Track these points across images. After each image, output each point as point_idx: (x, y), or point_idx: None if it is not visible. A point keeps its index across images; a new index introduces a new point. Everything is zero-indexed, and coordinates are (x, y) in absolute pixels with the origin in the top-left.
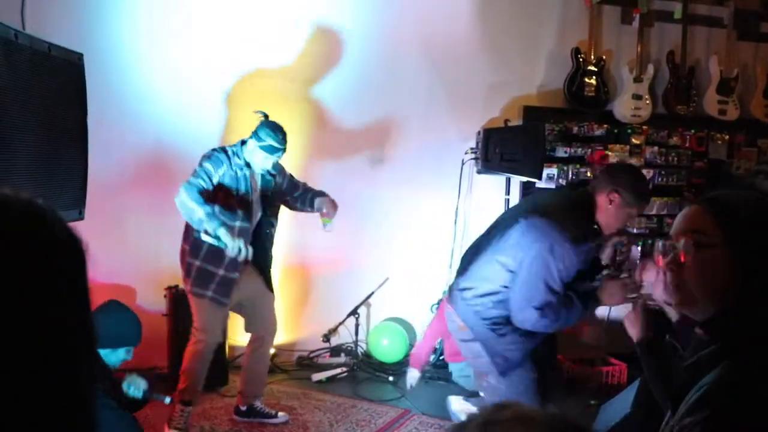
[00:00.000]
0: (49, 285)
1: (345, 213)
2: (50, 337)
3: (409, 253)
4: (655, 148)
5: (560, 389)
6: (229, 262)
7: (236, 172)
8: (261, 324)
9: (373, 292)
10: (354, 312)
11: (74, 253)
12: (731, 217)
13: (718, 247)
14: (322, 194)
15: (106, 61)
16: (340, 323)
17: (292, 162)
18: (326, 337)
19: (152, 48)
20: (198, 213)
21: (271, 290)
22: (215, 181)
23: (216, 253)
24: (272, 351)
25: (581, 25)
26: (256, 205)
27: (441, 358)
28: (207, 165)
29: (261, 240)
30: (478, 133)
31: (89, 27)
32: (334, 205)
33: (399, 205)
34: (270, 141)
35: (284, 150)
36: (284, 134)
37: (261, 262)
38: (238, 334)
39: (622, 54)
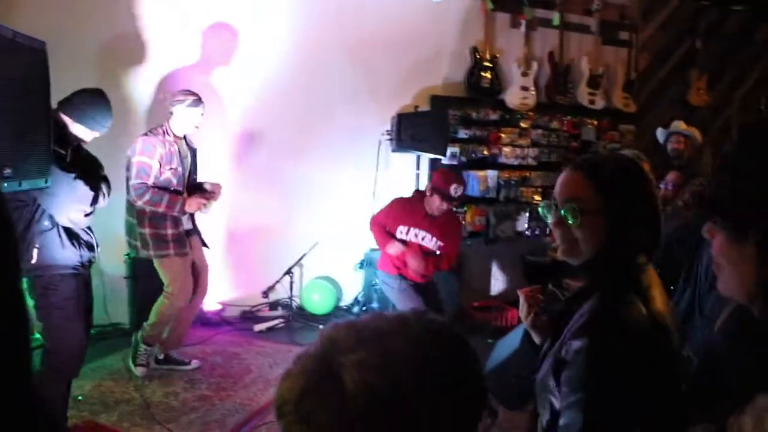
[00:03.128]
0: None
1: (282, 189)
2: None
3: (335, 221)
4: (539, 131)
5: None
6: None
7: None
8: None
9: (305, 255)
10: (289, 272)
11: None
12: (606, 183)
13: (599, 212)
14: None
15: (71, 50)
16: (277, 281)
17: (228, 147)
18: (266, 294)
19: (118, 36)
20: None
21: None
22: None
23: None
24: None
25: (478, 27)
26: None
27: None
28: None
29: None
30: (393, 117)
31: (54, 15)
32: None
33: (326, 180)
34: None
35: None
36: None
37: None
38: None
39: (511, 52)
